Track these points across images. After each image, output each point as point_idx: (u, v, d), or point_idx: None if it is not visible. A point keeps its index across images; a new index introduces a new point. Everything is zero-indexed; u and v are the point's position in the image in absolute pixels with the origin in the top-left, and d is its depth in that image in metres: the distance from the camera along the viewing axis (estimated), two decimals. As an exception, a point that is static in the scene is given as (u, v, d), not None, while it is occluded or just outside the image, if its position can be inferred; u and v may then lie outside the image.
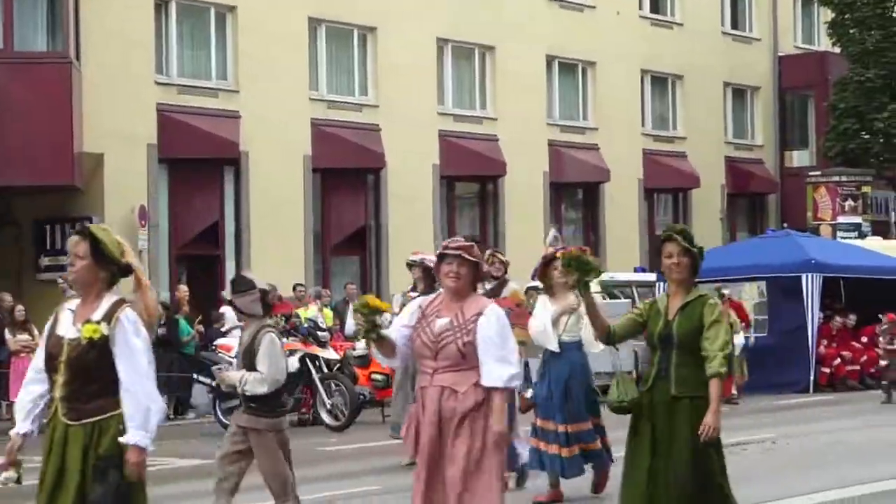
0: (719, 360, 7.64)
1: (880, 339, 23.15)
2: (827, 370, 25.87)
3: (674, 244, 7.97)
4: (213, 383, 19.04)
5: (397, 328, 7.69)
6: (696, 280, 8.10)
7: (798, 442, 16.56)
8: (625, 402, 7.94)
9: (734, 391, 23.52)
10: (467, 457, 7.42)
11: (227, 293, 10.15)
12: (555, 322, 12.03)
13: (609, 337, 8.22)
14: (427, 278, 13.95)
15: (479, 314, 7.52)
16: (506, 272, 13.70)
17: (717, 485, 7.81)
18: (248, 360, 9.52)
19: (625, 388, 7.98)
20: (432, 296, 7.85)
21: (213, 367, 19.42)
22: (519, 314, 12.77)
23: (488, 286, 12.93)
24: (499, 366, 7.45)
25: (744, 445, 15.83)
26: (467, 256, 7.57)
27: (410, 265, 14.71)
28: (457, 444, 7.44)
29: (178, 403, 23.01)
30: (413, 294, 14.14)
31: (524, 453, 12.40)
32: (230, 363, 16.19)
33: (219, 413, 19.59)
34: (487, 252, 14.21)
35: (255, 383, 9.40)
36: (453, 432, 7.45)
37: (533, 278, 14.52)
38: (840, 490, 12.42)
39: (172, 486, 13.64)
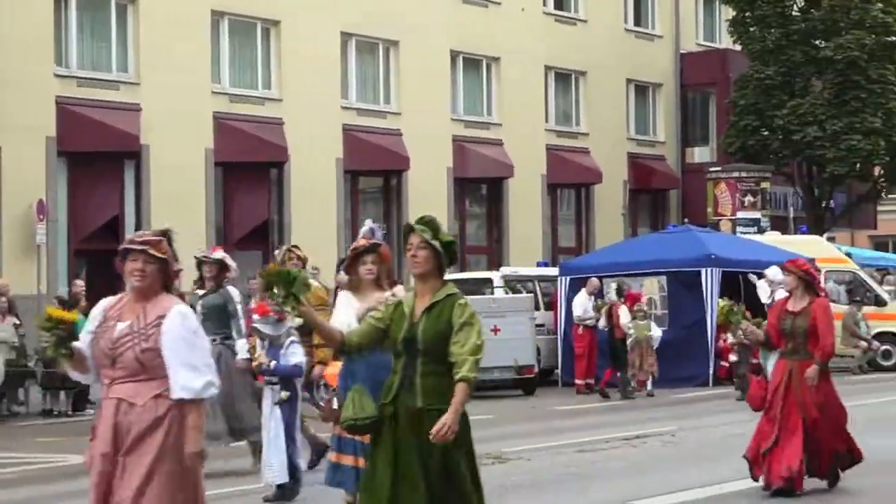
0: (469, 364, 6.87)
1: (729, 334, 22.54)
2: (726, 364, 26.15)
3: (414, 235, 7.18)
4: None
5: (82, 336, 6.80)
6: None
7: (697, 435, 16.74)
8: (359, 422, 7.05)
9: (648, 385, 23.77)
10: (142, 479, 6.56)
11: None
12: (360, 320, 10.07)
13: (343, 346, 7.33)
14: (220, 275, 13.67)
15: (162, 317, 6.68)
16: (304, 268, 12.94)
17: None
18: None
19: (361, 403, 7.07)
20: (118, 297, 6.98)
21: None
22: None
23: None
24: (187, 374, 6.60)
25: (644, 438, 15.98)
26: (154, 252, 6.74)
27: (201, 262, 13.91)
28: (130, 465, 6.60)
29: (77, 400, 22.71)
30: (199, 293, 13.80)
31: (303, 464, 11.96)
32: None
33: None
34: (284, 248, 13.96)
35: None
36: (128, 450, 6.61)
37: (338, 271, 14.12)
38: (737, 482, 12.59)
39: (70, 483, 13.46)
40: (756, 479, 11.57)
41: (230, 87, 30.99)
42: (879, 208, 46.76)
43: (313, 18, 31.98)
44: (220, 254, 14.12)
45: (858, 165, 38.66)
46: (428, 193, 34.24)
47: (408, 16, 34.12)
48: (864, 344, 29.00)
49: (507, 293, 26.18)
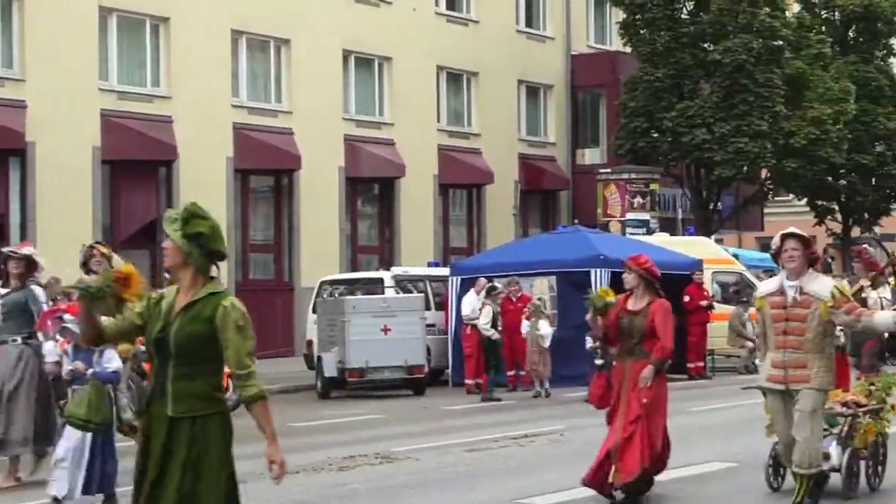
0: (250, 379, 6.38)
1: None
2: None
3: (166, 226, 6.60)
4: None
5: None
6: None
7: (584, 434, 16.80)
8: (90, 425, 6.48)
9: (545, 382, 23.78)
10: None
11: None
12: None
13: (100, 338, 6.81)
14: (27, 273, 12.85)
15: None
16: (110, 265, 12.01)
17: None
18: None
19: (97, 406, 6.70)
20: None
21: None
22: None
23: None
24: None
25: (532, 438, 16.02)
26: None
27: (9, 257, 13.01)
28: None
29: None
30: (2, 291, 13.00)
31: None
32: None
33: None
34: (86, 245, 12.97)
35: None
36: None
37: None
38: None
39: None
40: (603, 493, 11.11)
41: (118, 85, 30.62)
42: (766, 210, 47.48)
43: (203, 15, 31.71)
44: (28, 249, 13.39)
45: (746, 168, 39.17)
46: (319, 193, 34.13)
47: (299, 14, 33.96)
48: (750, 344, 29.26)
49: (398, 293, 26.15)
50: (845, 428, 11.23)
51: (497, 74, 40.17)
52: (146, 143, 30.36)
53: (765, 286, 10.49)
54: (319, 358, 24.60)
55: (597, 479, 11.00)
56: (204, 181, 31.20)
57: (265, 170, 34.04)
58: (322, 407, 22.36)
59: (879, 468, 11.68)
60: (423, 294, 26.28)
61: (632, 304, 11.29)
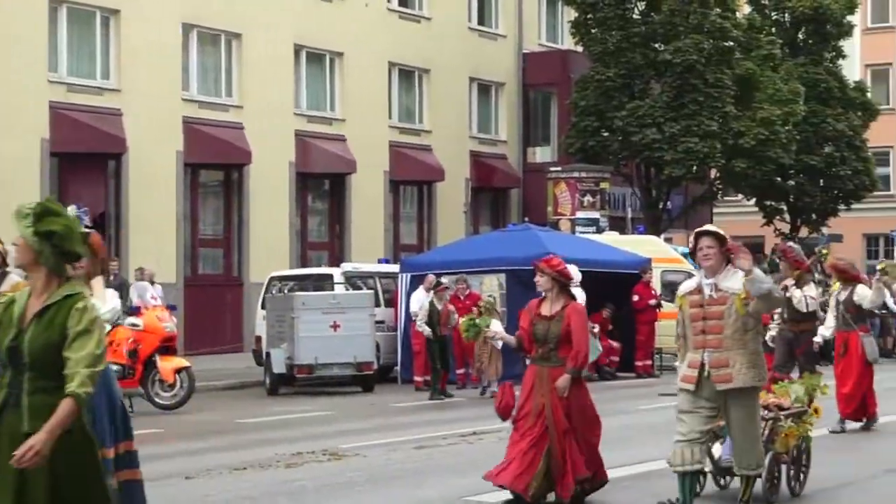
0: (80, 378, 5.80)
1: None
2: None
3: (17, 221, 6.12)
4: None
5: None
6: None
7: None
8: None
9: (492, 382, 23.73)
10: None
11: None
12: None
13: None
14: None
15: None
16: (4, 263, 11.67)
17: None
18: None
19: None
20: None
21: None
22: None
23: None
24: None
25: (480, 435, 16.04)
26: None
27: None
28: None
29: None
30: None
31: None
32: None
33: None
34: None
35: None
36: None
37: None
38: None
39: None
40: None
41: (68, 77, 30.39)
42: (715, 210, 47.71)
43: (154, 8, 31.53)
44: None
45: (695, 168, 39.34)
46: (270, 188, 34.02)
47: (251, 8, 33.84)
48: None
49: (347, 289, 26.11)
50: (766, 431, 10.80)
51: (448, 72, 40.17)
52: (95, 135, 30.16)
53: (685, 286, 10.02)
54: (268, 354, 24.52)
55: (519, 485, 10.50)
56: (153, 175, 31.05)
57: (215, 164, 33.90)
58: (271, 403, 22.29)
59: (801, 474, 11.44)
60: (372, 291, 26.26)
61: (546, 309, 10.82)
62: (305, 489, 12.14)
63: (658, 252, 30.20)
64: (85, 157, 30.39)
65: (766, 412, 10.91)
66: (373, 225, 37.25)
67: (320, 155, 35.78)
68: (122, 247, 30.78)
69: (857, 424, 16.66)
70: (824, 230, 46.74)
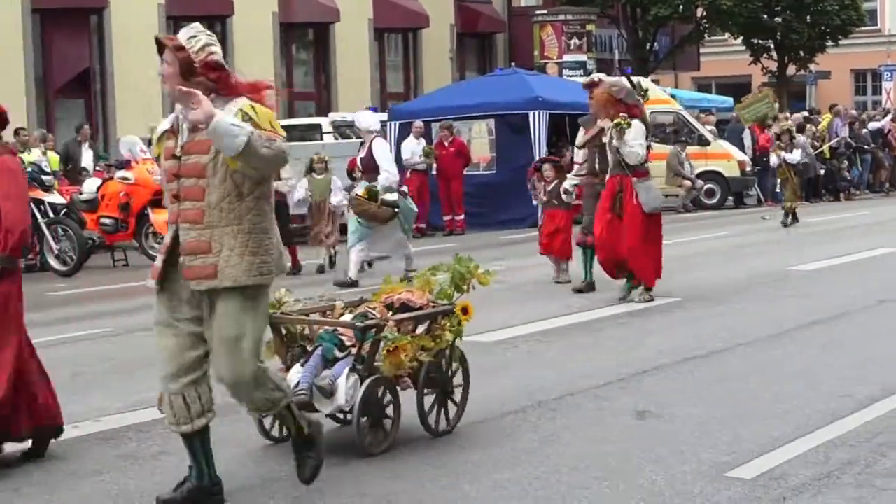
0: None
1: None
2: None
3: None
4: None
5: None
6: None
7: (523, 274, 17.03)
8: None
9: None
10: None
11: None
12: None
13: None
14: None
15: None
16: None
17: None
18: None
19: None
20: None
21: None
22: None
23: None
24: None
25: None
26: None
27: None
28: None
29: None
30: None
31: None
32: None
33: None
34: None
35: None
36: None
37: None
38: (567, 317, 12.94)
39: None
40: None
41: (45, -69, 29.97)
42: (702, 50, 47.49)
43: None
44: None
45: (681, 7, 39.07)
46: (253, 39, 33.76)
47: None
48: (688, 183, 29.54)
49: (336, 139, 26.08)
50: (365, 346, 7.51)
51: (431, -85, 39.59)
52: (75, -11, 29.87)
53: (161, 125, 6.84)
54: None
55: None
56: (136, 29, 30.71)
57: (197, 16, 33.46)
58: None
59: (448, 402, 8.01)
60: (361, 140, 26.21)
61: None
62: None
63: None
64: (66, 13, 30.07)
65: (368, 318, 7.68)
66: (359, 73, 37.02)
67: (303, 4, 35.40)
68: (107, 103, 30.64)
69: None
70: (812, 67, 46.57)
